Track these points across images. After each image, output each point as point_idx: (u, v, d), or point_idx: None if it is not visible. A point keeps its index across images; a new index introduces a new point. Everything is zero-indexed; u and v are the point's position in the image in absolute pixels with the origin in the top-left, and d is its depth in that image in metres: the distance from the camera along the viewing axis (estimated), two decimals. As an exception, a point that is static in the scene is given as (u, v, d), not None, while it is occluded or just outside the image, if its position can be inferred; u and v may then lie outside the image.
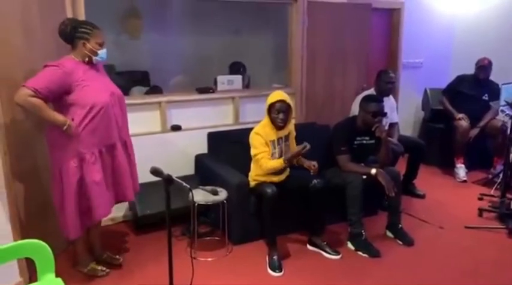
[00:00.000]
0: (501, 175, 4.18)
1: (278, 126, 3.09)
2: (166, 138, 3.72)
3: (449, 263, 3.01)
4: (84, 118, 2.47)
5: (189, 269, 2.40)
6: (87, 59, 2.54)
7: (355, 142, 3.37)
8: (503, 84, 4.21)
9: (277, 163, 3.03)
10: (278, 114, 3.05)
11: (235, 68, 4.83)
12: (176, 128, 3.75)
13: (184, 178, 2.13)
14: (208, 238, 3.31)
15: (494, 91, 4.53)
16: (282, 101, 3.04)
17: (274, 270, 2.87)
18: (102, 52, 2.57)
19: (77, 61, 2.52)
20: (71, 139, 2.47)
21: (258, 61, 5.22)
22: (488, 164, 4.75)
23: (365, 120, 3.30)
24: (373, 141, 3.38)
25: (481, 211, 3.75)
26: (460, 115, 4.62)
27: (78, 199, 2.52)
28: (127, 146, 2.75)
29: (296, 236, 3.34)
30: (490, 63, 4.63)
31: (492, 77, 4.71)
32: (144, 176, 2.91)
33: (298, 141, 3.36)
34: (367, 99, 3.38)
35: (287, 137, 3.21)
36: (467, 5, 5.49)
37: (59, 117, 2.43)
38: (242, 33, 5.26)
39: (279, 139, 3.14)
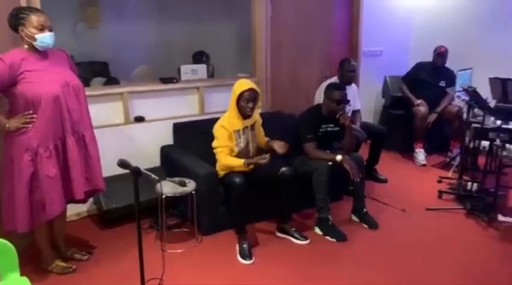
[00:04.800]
0: (458, 158, 4.38)
1: (247, 114, 3.10)
2: (129, 130, 3.64)
3: (412, 244, 3.13)
4: (33, 111, 2.38)
5: (160, 262, 2.38)
6: (26, 47, 2.42)
7: (321, 130, 3.43)
8: (458, 71, 4.39)
9: (236, 162, 3.03)
10: (248, 102, 3.05)
11: (199, 57, 4.78)
12: (140, 119, 3.68)
13: (150, 171, 2.09)
14: (177, 230, 3.28)
15: (451, 78, 4.71)
16: (251, 90, 3.05)
17: (244, 259, 2.89)
18: (42, 37, 2.40)
19: (26, 51, 2.42)
20: (23, 133, 2.39)
21: (222, 50, 5.18)
22: (446, 148, 4.95)
23: (330, 108, 3.36)
24: (337, 128, 3.45)
25: (440, 193, 3.91)
26: (419, 101, 4.78)
27: (29, 193, 2.43)
28: (85, 141, 2.62)
29: (265, 224, 3.37)
30: (446, 51, 4.80)
31: (448, 64, 4.89)
32: (108, 169, 2.86)
33: (266, 130, 3.39)
34: (331, 87, 3.44)
35: (253, 126, 3.23)
36: (424, -6, 5.68)
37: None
38: (205, 22, 5.18)
39: (244, 128, 3.15)
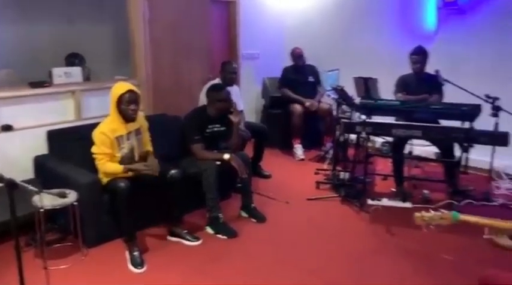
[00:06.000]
0: (331, 151, 4.80)
1: (130, 117, 3.00)
2: (-5, 140, 3.27)
3: (297, 232, 3.35)
4: None
5: (43, 280, 2.19)
6: None
7: (207, 131, 3.48)
8: (328, 71, 4.81)
9: (116, 168, 2.94)
10: (129, 105, 2.95)
11: (72, 60, 4.48)
12: (7, 128, 3.32)
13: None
14: (58, 245, 3.04)
15: (316, 73, 5.32)
16: (131, 91, 2.96)
17: (136, 267, 2.79)
18: None
19: None
20: None
21: (98, 52, 4.91)
22: (321, 142, 5.40)
23: (219, 108, 3.43)
24: (223, 128, 3.54)
25: (318, 184, 4.25)
26: (308, 101, 5.12)
27: None
28: None
29: (156, 229, 3.31)
30: (301, 51, 5.29)
31: (317, 64, 5.38)
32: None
33: (150, 134, 3.31)
34: (215, 89, 3.52)
35: (138, 130, 3.13)
36: (295, 0, 6.08)
37: None
38: (77, 23, 4.86)
39: (129, 133, 3.04)
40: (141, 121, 3.19)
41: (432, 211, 2.11)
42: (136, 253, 2.86)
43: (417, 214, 2.09)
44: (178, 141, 3.51)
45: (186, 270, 2.81)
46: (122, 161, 3.00)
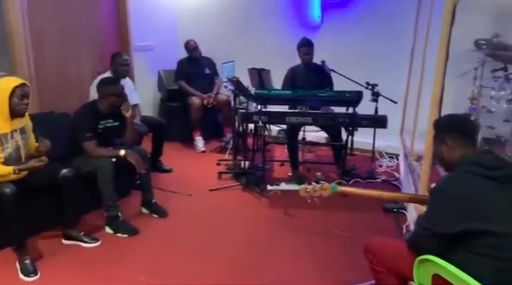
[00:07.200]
0: (231, 142, 4.89)
1: (21, 112, 2.77)
2: None
3: (201, 223, 3.39)
4: None
5: None
6: None
7: (100, 127, 3.33)
8: (223, 63, 4.87)
9: (4, 170, 2.68)
10: (22, 99, 2.73)
11: None
12: None
13: None
14: None
15: (211, 64, 5.39)
16: (24, 85, 2.76)
17: (28, 276, 2.60)
18: None
19: None
20: None
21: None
22: (221, 133, 5.49)
23: (111, 102, 3.30)
24: (117, 123, 3.42)
25: (220, 174, 4.31)
26: (205, 100, 5.12)
27: None
28: None
29: (49, 233, 3.10)
30: (196, 43, 5.31)
31: (213, 56, 5.44)
32: None
33: (37, 134, 3.08)
34: (106, 83, 3.39)
35: (23, 129, 2.88)
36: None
37: None
38: None
39: (13, 131, 2.79)
40: (26, 120, 2.95)
41: (314, 183, 2.32)
42: (27, 261, 2.66)
43: (301, 187, 2.27)
44: (69, 139, 3.31)
45: (85, 274, 2.69)
46: (6, 163, 2.74)
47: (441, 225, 1.71)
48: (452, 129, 1.93)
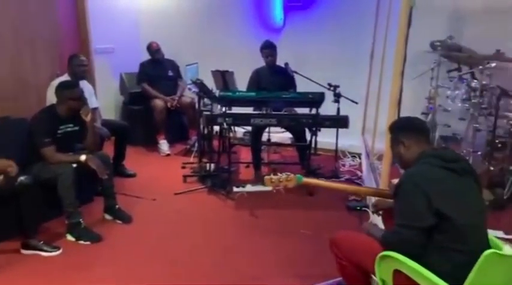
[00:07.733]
0: (196, 144, 4.86)
1: None
2: None
3: (166, 227, 3.35)
4: None
5: None
6: None
7: (59, 132, 3.23)
8: (187, 65, 4.84)
9: None
10: None
11: None
12: None
13: None
14: None
15: (174, 66, 5.34)
16: None
17: (-16, 289, 2.50)
18: None
19: None
20: None
21: None
22: (186, 136, 5.44)
23: (70, 106, 3.21)
24: (77, 128, 3.33)
25: (185, 177, 4.27)
26: (168, 103, 5.05)
27: None
28: None
29: (6, 243, 2.96)
30: (158, 45, 5.24)
31: (177, 59, 5.39)
32: None
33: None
34: (65, 86, 3.29)
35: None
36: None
37: None
38: None
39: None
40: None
41: (279, 174, 2.33)
42: (-17, 274, 2.55)
43: (266, 177, 2.27)
44: (27, 145, 3.19)
45: (47, 283, 2.60)
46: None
47: (417, 219, 1.73)
48: (405, 128, 2.01)
